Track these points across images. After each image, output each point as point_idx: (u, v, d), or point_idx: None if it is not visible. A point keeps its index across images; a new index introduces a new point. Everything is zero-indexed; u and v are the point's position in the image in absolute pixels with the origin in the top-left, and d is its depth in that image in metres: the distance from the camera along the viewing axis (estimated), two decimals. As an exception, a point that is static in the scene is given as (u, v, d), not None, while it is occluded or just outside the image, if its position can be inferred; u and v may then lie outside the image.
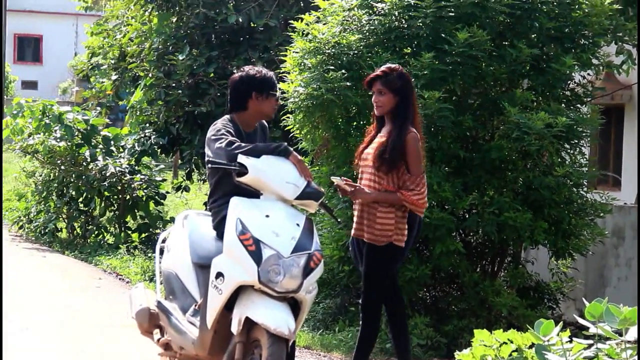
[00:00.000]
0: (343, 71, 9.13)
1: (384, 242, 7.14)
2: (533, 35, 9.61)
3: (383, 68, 7.35)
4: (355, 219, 7.34)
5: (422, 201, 7.14)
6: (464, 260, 9.39)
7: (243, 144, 6.64)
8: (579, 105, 9.92)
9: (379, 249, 7.16)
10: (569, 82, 9.82)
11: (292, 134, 9.77)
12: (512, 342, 7.06)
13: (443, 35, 9.20)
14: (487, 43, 9.14)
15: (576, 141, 9.47)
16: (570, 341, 6.76)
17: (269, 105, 6.96)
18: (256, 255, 6.27)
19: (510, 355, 7.04)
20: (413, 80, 9.13)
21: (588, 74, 10.03)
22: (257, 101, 6.93)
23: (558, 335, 6.73)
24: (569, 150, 9.61)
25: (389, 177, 7.15)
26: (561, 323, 6.87)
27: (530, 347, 7.00)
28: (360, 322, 7.46)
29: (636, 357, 5.34)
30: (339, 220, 7.16)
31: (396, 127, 7.16)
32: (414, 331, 9.13)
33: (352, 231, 7.37)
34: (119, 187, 14.97)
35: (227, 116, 6.99)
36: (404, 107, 7.19)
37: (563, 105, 9.67)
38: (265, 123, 7.22)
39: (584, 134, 9.48)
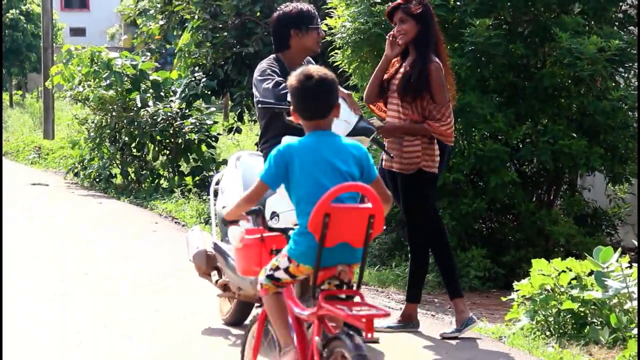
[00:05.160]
0: (390, 4, 9.02)
1: (413, 169, 7.11)
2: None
3: None
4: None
5: (449, 131, 7.13)
6: (519, 190, 9.31)
7: None
8: (632, 27, 9.73)
9: (410, 177, 7.14)
10: (621, 3, 9.63)
11: (340, 70, 9.71)
12: (570, 270, 7.02)
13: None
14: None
15: (630, 64, 9.30)
16: (630, 267, 6.72)
17: (311, 39, 6.91)
18: (309, 194, 6.25)
19: (570, 283, 7.00)
20: (463, 7, 9.05)
21: (641, -6, 9.83)
22: (298, 37, 6.88)
23: (617, 261, 6.70)
24: (622, 74, 9.46)
25: (413, 106, 7.13)
26: (620, 249, 6.84)
27: (590, 274, 6.96)
28: (409, 256, 7.45)
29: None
30: (391, 155, 7.10)
31: (419, 56, 7.12)
32: (471, 263, 9.11)
33: (382, 162, 7.35)
34: (171, 131, 14.98)
35: (273, 55, 6.94)
36: (426, 34, 7.14)
37: (615, 27, 9.49)
38: (312, 61, 7.16)
39: (637, 56, 9.31)
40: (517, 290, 7.24)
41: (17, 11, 32.64)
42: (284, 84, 6.57)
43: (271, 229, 5.02)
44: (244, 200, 4.94)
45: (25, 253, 10.19)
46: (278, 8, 7.11)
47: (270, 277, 4.84)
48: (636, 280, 6.60)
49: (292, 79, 4.93)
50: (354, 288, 4.75)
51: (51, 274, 9.22)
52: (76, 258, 10.00)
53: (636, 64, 9.34)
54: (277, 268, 4.81)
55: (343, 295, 4.71)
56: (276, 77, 6.65)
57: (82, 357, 6.80)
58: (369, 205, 4.65)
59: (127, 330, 7.33)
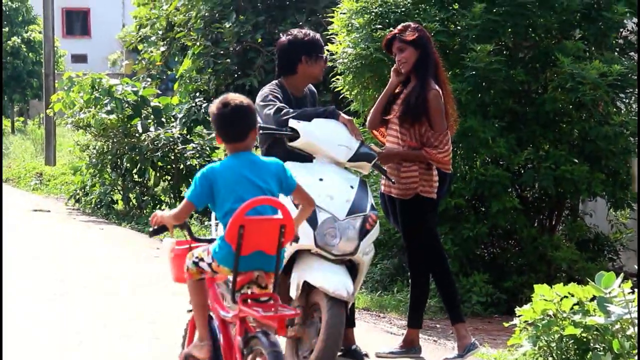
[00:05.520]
0: (391, 29, 9.05)
1: (411, 194, 7.13)
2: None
3: (398, 27, 7.34)
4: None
5: (447, 158, 7.15)
6: (521, 216, 9.30)
7: (291, 110, 6.60)
8: (632, 53, 9.75)
9: (408, 203, 7.16)
10: (621, 30, 9.66)
11: (342, 96, 9.72)
12: (573, 295, 6.98)
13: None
14: (536, -9, 9.03)
15: (631, 90, 9.32)
16: (632, 292, 6.69)
17: (318, 67, 6.92)
18: (312, 219, 6.26)
19: (572, 308, 6.97)
20: (464, 33, 9.07)
21: (641, 21, 9.85)
22: (307, 65, 6.88)
23: (620, 286, 6.66)
24: (623, 100, 9.47)
25: (411, 132, 7.16)
26: (622, 274, 6.80)
27: (592, 300, 6.93)
28: (410, 281, 7.45)
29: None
30: (392, 180, 7.10)
31: (418, 83, 7.14)
32: (473, 289, 9.10)
33: (382, 187, 7.38)
34: (172, 157, 15.00)
35: (276, 81, 6.94)
36: (425, 59, 7.17)
37: (616, 54, 9.51)
38: (313, 88, 7.18)
39: (637, 83, 9.33)
40: (519, 316, 7.20)
41: (19, 39, 32.74)
42: (285, 111, 6.58)
43: (198, 240, 5.53)
44: (173, 217, 5.33)
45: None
46: (288, 32, 7.11)
47: (195, 264, 5.35)
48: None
49: (212, 106, 5.32)
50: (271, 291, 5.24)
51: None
52: (80, 283, 10.00)
53: (637, 90, 9.35)
54: (202, 260, 5.32)
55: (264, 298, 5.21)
56: (278, 102, 6.66)
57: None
58: (280, 216, 5.13)
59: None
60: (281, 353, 4.94)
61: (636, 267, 7.64)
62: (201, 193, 5.21)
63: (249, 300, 5.19)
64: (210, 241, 5.41)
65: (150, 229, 5.47)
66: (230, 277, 5.21)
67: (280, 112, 6.58)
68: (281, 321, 5.02)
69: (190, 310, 5.67)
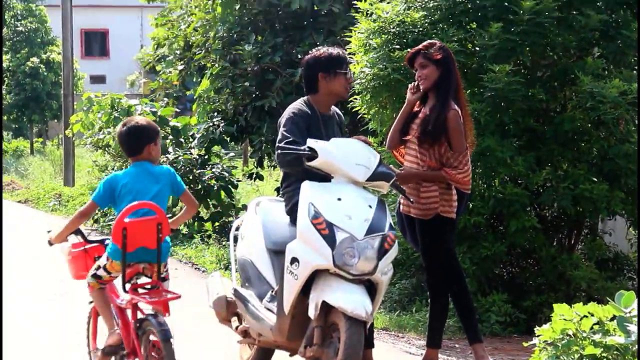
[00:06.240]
0: (409, 50, 9.06)
1: (431, 215, 7.12)
2: (599, 3, 9.43)
3: (424, 43, 7.34)
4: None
5: (466, 179, 7.14)
6: (540, 235, 9.28)
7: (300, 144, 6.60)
8: (651, 72, 9.74)
9: (428, 222, 7.15)
10: (640, 48, 9.64)
11: (360, 116, 9.72)
12: (592, 315, 6.95)
13: (508, 4, 9.09)
14: (553, 11, 9.02)
15: (649, 108, 9.30)
16: (653, 312, 6.64)
17: (339, 84, 6.90)
18: (330, 239, 6.24)
19: (592, 328, 6.94)
20: (482, 53, 9.07)
21: (659, 39, 9.83)
22: (325, 82, 6.89)
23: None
24: (641, 118, 9.44)
25: (431, 152, 7.15)
26: (643, 294, 6.77)
27: (612, 319, 6.89)
28: (429, 301, 7.43)
29: None
30: (411, 200, 7.09)
31: (438, 102, 7.14)
32: (492, 308, 9.06)
33: (400, 207, 7.36)
34: (191, 178, 15.03)
35: (305, 98, 6.98)
36: (447, 79, 7.17)
37: (634, 72, 9.50)
38: (337, 110, 7.17)
39: (637, 99, 9.29)
40: (538, 335, 7.17)
41: (37, 60, 32.92)
42: (296, 145, 6.58)
43: (91, 241, 6.61)
44: (79, 215, 6.37)
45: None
46: (306, 54, 7.15)
47: (94, 276, 6.40)
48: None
49: (118, 126, 6.48)
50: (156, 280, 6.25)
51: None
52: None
53: (637, 106, 9.32)
54: (99, 267, 6.38)
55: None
56: (293, 136, 6.65)
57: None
58: (155, 215, 6.15)
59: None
60: (169, 330, 5.92)
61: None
62: (103, 196, 6.30)
63: (138, 290, 6.21)
64: (102, 241, 6.51)
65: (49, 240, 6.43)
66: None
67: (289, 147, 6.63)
68: (165, 304, 6.13)
69: (92, 302, 6.61)
